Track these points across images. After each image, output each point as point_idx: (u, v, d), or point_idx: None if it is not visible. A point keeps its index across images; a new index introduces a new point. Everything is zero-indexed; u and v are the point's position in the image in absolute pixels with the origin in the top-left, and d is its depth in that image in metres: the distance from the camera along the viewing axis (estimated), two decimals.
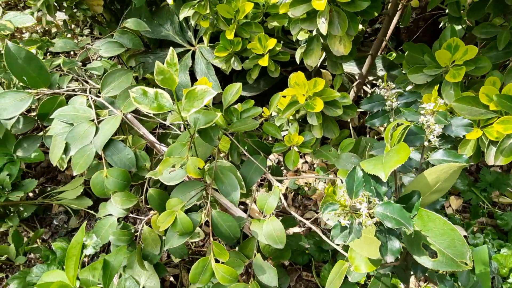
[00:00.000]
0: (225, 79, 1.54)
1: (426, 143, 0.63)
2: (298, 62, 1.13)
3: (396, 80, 1.08)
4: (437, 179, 0.59)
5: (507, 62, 1.41)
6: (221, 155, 1.15)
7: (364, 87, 1.43)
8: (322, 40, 1.03)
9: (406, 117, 0.65)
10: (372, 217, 0.52)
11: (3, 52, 1.29)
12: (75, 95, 1.03)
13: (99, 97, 1.05)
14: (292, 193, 1.57)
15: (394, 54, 1.61)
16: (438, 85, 0.88)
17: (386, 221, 0.51)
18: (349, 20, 0.87)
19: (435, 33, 1.81)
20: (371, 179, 0.55)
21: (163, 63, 1.54)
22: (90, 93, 1.05)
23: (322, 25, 0.86)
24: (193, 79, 1.53)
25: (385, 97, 0.85)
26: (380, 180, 0.56)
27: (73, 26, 1.90)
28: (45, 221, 1.46)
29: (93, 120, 0.98)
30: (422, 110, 0.65)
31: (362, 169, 0.54)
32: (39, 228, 1.43)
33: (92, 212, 1.44)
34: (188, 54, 1.46)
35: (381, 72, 1.45)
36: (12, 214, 1.31)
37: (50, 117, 0.99)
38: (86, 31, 2.18)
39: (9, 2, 2.43)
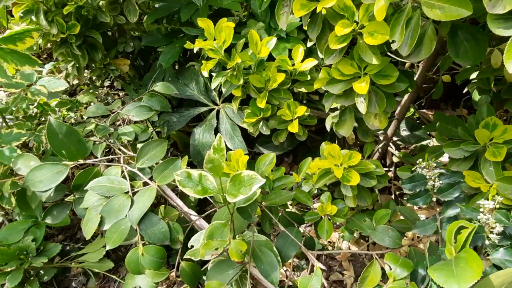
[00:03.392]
0: (247, 137, 1.56)
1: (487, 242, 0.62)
2: (328, 130, 1.14)
3: (428, 150, 1.08)
4: (502, 282, 0.58)
5: None
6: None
7: (389, 148, 1.44)
8: (355, 112, 1.04)
9: (464, 214, 0.64)
10: None
11: (32, 114, 1.31)
12: (109, 165, 1.03)
13: (132, 166, 1.05)
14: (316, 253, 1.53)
15: (412, 110, 1.64)
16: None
17: None
18: (386, 99, 0.89)
19: (451, 90, 1.85)
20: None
21: (187, 122, 1.55)
22: (124, 162, 1.05)
23: (361, 104, 0.88)
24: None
25: (427, 177, 0.85)
26: None
27: (94, 77, 1.93)
28: (63, 283, 1.42)
29: (127, 192, 0.98)
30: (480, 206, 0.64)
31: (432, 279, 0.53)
32: None
33: (110, 275, 1.41)
34: (213, 113, 1.48)
35: (404, 132, 1.46)
36: (32, 278, 1.28)
37: (85, 188, 0.99)
38: (107, 83, 2.23)
39: (32, 54, 2.51)
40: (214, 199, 1.59)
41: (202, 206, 1.67)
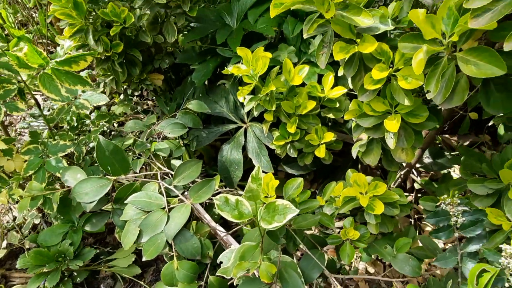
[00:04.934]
0: (272, 155, 1.61)
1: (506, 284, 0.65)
2: (354, 157, 1.19)
3: (451, 182, 1.12)
4: None
5: None
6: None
7: (412, 175, 1.48)
8: (382, 143, 1.09)
9: (486, 257, 0.68)
10: None
11: (73, 124, 1.40)
12: (148, 181, 1.11)
13: (167, 182, 1.12)
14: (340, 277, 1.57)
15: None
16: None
17: None
18: (415, 135, 0.93)
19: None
20: None
21: (214, 137, 1.60)
22: (160, 178, 1.13)
23: (390, 140, 0.93)
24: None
25: (451, 213, 0.89)
26: None
27: (129, 90, 2.01)
28: (93, 284, 1.50)
29: (164, 208, 1.05)
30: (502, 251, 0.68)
31: None
32: None
33: (136, 280, 1.48)
34: (241, 131, 1.55)
35: (427, 159, 1.50)
36: (66, 279, 1.36)
37: (125, 202, 1.06)
38: (136, 93, 2.33)
39: None
40: None
41: (225, 220, 1.73)
